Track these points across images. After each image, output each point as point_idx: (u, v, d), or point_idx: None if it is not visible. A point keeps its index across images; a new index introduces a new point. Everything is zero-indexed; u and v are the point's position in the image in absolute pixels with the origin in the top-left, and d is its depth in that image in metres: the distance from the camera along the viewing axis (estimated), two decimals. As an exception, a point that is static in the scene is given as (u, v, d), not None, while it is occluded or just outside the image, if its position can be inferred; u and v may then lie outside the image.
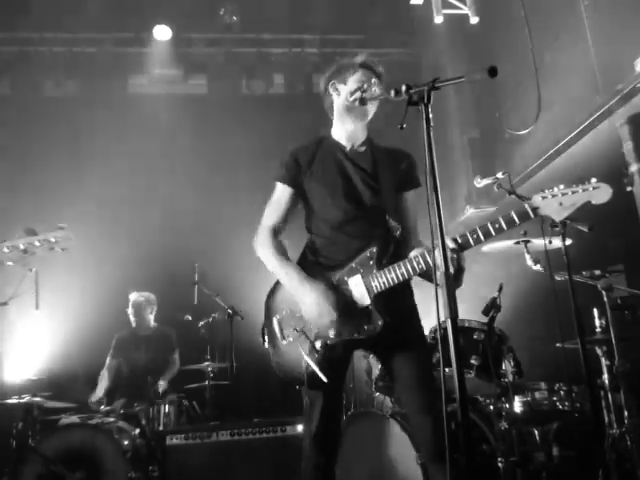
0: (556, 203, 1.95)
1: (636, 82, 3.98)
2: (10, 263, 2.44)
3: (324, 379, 2.18)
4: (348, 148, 2.47)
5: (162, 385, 4.73)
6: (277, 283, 2.45)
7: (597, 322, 3.42)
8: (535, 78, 4.78)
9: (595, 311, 3.43)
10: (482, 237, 2.03)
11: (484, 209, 5.87)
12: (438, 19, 4.93)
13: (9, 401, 4.22)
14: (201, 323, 5.13)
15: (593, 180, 1.94)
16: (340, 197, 2.38)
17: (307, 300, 2.28)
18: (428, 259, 2.14)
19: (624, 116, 4.36)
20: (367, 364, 4.68)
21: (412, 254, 2.23)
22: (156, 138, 6.24)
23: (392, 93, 1.85)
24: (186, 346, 5.25)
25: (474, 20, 4.93)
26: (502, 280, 3.48)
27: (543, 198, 1.97)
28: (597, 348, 3.39)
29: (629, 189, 4.41)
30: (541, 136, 4.95)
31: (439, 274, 1.70)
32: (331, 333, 2.25)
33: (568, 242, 2.94)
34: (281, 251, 2.42)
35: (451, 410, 2.14)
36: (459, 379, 1.54)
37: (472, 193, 5.97)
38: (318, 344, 2.25)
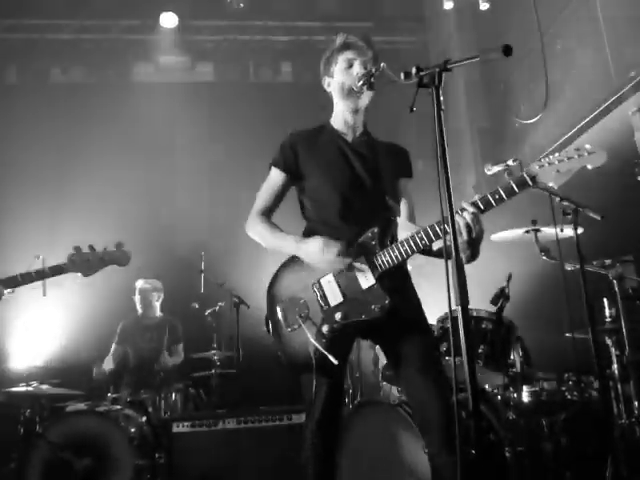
0: (553, 170, 1.93)
1: (649, 69, 3.91)
2: (79, 274, 2.73)
3: (334, 361, 2.15)
4: (349, 136, 2.47)
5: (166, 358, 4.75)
6: (277, 272, 2.43)
7: (607, 312, 3.38)
8: (543, 66, 4.71)
9: (605, 301, 3.40)
10: (482, 206, 2.00)
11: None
12: (448, 5, 4.88)
13: (17, 388, 4.23)
14: (207, 312, 5.12)
15: (587, 146, 1.93)
16: (342, 183, 2.37)
17: (310, 250, 2.26)
18: (430, 233, 2.10)
19: (636, 104, 4.28)
20: (374, 354, 4.67)
21: (413, 231, 2.18)
22: (162, 126, 6.22)
23: (402, 76, 1.80)
24: (193, 334, 5.25)
25: (484, 6, 4.87)
26: (511, 269, 3.44)
27: (540, 167, 1.95)
28: (607, 338, 3.36)
29: (640, 178, 4.35)
30: (552, 124, 4.89)
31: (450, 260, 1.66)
32: (337, 316, 2.21)
33: (579, 231, 2.89)
34: (272, 225, 2.43)
35: (460, 399, 2.11)
36: (470, 366, 1.51)
37: (481, 182, 5.92)
38: (325, 328, 2.22)
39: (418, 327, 2.32)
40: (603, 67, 4.24)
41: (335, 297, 2.24)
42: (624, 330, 3.05)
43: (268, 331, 2.40)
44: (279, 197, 2.49)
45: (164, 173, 6.15)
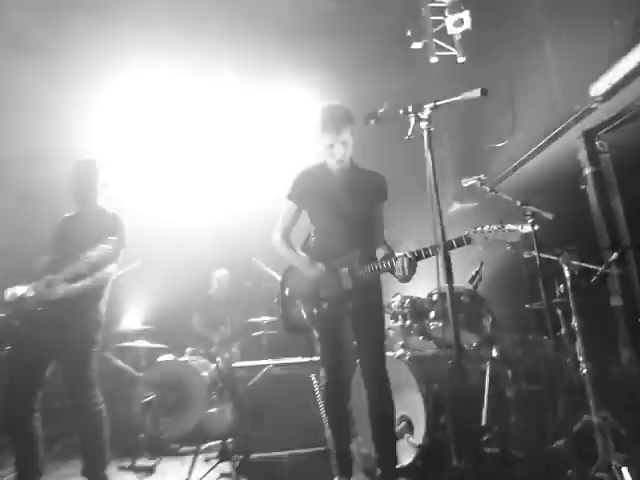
0: (483, 237, 2.01)
1: (589, 104, 3.80)
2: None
3: (316, 332, 2.46)
4: (337, 172, 2.47)
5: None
6: (288, 268, 2.61)
7: (558, 289, 3.27)
8: (510, 104, 4.63)
9: (556, 280, 3.28)
10: (431, 253, 2.10)
11: (468, 204, 5.69)
12: (433, 59, 4.73)
13: (121, 344, 4.29)
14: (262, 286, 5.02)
15: (509, 226, 1.99)
16: (330, 211, 2.45)
17: (312, 276, 2.45)
18: (393, 262, 2.21)
19: (580, 130, 4.22)
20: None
21: (382, 257, 2.36)
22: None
23: (401, 112, 1.77)
24: (248, 305, 5.16)
25: (461, 59, 4.72)
26: (484, 258, 3.37)
27: (474, 232, 2.02)
28: (557, 308, 3.26)
29: (583, 187, 4.28)
30: (514, 147, 4.79)
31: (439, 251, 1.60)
32: (324, 304, 2.43)
33: (536, 227, 2.81)
34: (291, 246, 2.54)
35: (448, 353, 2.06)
36: (455, 328, 1.45)
37: (458, 192, 5.78)
38: (314, 309, 2.44)
39: (373, 320, 2.44)
40: (554, 103, 4.13)
41: (325, 290, 2.43)
42: (571, 302, 2.94)
43: (277, 303, 2.62)
44: (293, 220, 2.55)
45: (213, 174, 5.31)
